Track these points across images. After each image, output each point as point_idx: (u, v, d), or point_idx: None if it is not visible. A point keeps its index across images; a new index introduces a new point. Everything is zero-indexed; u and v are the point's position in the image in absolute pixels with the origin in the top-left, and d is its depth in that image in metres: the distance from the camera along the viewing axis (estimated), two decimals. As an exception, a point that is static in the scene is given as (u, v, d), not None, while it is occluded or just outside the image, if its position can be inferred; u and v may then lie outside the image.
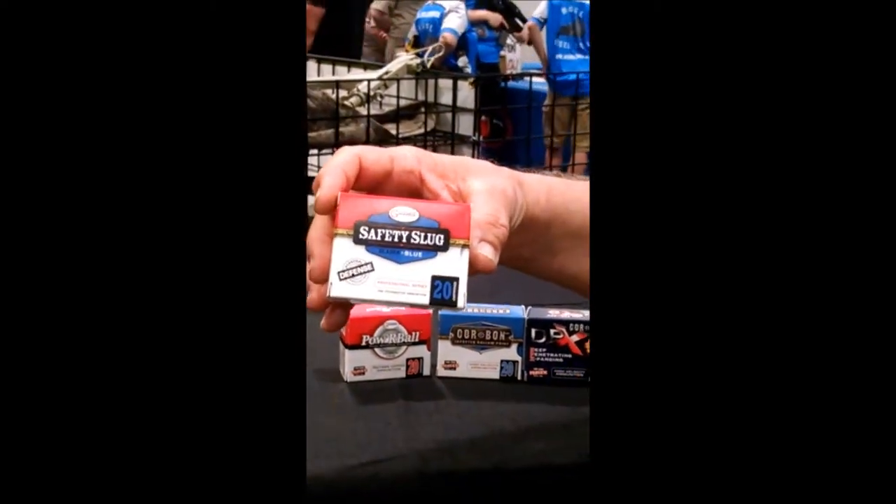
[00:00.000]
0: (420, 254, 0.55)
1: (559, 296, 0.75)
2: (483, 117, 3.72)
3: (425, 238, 0.55)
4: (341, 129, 2.94)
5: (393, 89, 3.31)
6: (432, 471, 0.66)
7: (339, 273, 0.54)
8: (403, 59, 3.55)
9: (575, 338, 0.79)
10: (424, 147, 3.01)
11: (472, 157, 2.93)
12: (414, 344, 0.80)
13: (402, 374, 0.80)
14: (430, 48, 3.76)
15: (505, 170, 0.60)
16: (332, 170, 0.56)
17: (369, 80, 3.20)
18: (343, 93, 3.06)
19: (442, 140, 3.32)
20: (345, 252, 0.54)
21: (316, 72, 3.59)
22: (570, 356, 0.79)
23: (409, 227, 0.55)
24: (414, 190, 0.58)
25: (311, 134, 2.78)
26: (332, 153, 0.59)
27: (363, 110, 3.09)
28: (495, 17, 4.82)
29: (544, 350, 0.79)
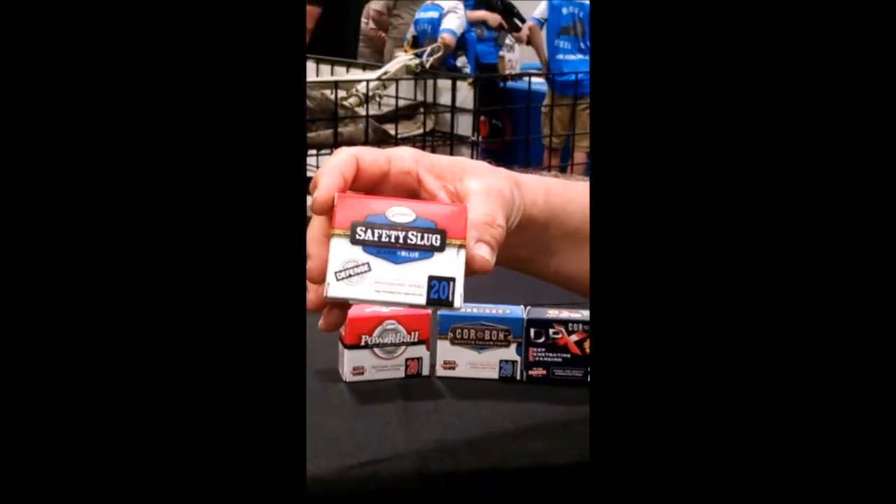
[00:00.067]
0: (417, 254, 0.55)
1: (558, 296, 0.75)
2: (482, 117, 3.73)
3: (422, 238, 0.55)
4: (340, 129, 2.94)
5: (392, 90, 3.31)
6: (431, 471, 0.66)
7: (336, 273, 0.54)
8: (402, 59, 3.55)
9: (574, 337, 0.79)
10: (423, 147, 3.02)
11: (471, 157, 2.93)
12: (413, 344, 0.80)
13: (401, 374, 0.80)
14: (428, 48, 3.76)
15: (502, 170, 0.60)
16: (329, 171, 0.56)
17: (368, 81, 3.20)
18: (342, 93, 3.06)
19: (441, 140, 3.33)
20: (342, 252, 0.54)
21: (314, 72, 3.60)
22: (569, 356, 0.79)
23: (406, 227, 0.55)
24: (411, 191, 0.58)
25: (309, 134, 2.78)
26: (331, 153, 0.59)
27: (362, 111, 3.09)
28: (494, 18, 4.81)
29: (543, 350, 0.79)
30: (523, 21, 4.83)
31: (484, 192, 0.57)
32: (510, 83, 4.28)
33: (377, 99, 3.31)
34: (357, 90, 3.19)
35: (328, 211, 0.55)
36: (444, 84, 3.37)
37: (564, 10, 4.39)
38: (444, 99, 3.34)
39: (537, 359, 0.79)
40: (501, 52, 5.04)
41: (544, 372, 0.79)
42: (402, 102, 3.32)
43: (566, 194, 0.63)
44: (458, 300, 0.55)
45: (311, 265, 0.55)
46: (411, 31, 4.68)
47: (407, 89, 3.38)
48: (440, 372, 0.80)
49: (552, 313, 0.80)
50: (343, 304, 0.57)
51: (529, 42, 4.85)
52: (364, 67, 3.73)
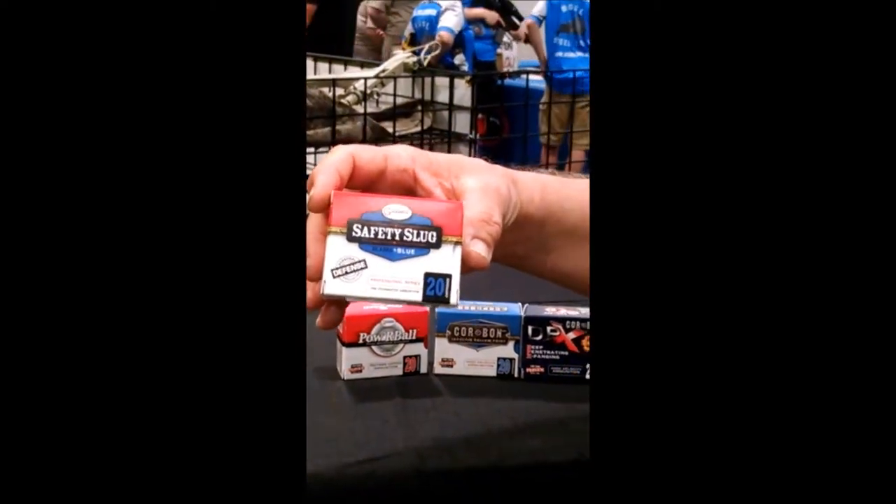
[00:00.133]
0: (413, 251, 0.55)
1: (556, 293, 0.75)
2: (480, 115, 3.72)
3: (418, 235, 0.55)
4: (338, 127, 2.94)
5: (390, 87, 3.31)
6: (430, 468, 0.66)
7: (332, 271, 0.54)
8: (400, 57, 3.55)
9: (571, 335, 0.79)
10: (421, 145, 3.02)
11: (469, 154, 2.93)
12: (411, 341, 0.80)
13: (399, 371, 0.80)
14: (426, 46, 3.75)
15: (499, 168, 0.60)
16: (325, 168, 0.56)
17: (366, 79, 3.20)
18: (339, 91, 3.06)
19: (439, 138, 3.32)
20: (338, 250, 0.55)
21: (312, 70, 3.59)
22: (566, 353, 0.79)
23: (402, 224, 0.55)
24: (408, 188, 0.58)
25: (307, 132, 2.78)
26: (329, 151, 0.59)
27: (360, 108, 3.09)
28: (492, 15, 4.81)
29: (541, 347, 0.79)
30: (521, 19, 4.82)
31: (480, 190, 0.57)
32: (508, 81, 4.28)
33: (375, 97, 3.30)
34: (355, 88, 3.18)
35: (324, 209, 0.55)
36: (442, 82, 3.37)
37: (564, 8, 4.38)
38: (442, 97, 3.34)
39: (535, 356, 0.79)
40: (499, 50, 5.04)
41: (542, 369, 0.80)
42: (399, 100, 3.32)
43: (563, 191, 0.63)
44: (454, 297, 0.55)
45: (308, 263, 0.55)
46: (409, 29, 4.68)
47: (405, 87, 3.38)
48: (438, 369, 0.80)
49: (550, 311, 0.80)
50: (340, 302, 0.57)
51: (527, 40, 4.85)
52: (362, 65, 3.72)
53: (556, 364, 0.79)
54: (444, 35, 4.33)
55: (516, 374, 0.80)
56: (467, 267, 0.55)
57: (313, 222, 0.56)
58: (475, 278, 0.58)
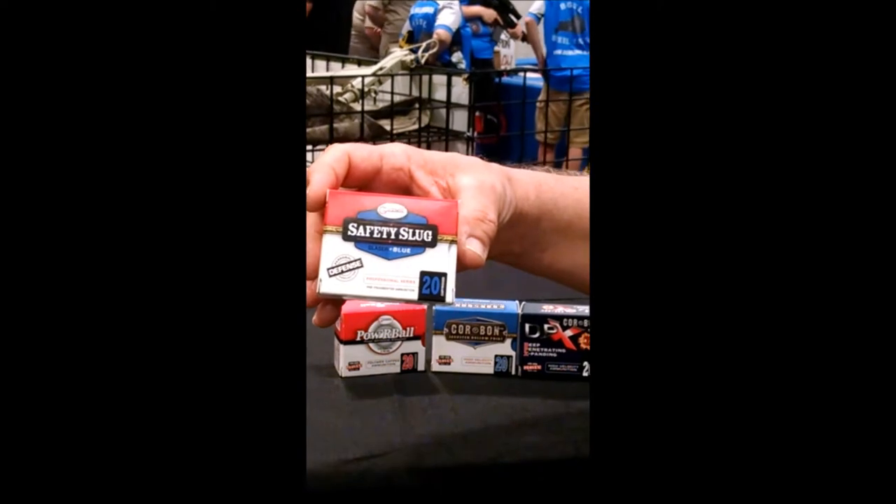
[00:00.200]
0: (408, 250, 0.55)
1: (553, 291, 0.75)
2: (477, 113, 3.72)
3: (413, 234, 0.55)
4: (335, 125, 2.94)
5: (387, 85, 3.31)
6: (427, 465, 0.66)
7: (328, 269, 0.54)
8: (397, 55, 3.55)
9: (569, 333, 0.79)
10: (419, 143, 3.02)
11: (467, 153, 2.93)
12: (408, 339, 0.80)
13: (396, 369, 0.80)
14: (423, 44, 3.76)
15: (494, 166, 0.61)
16: (321, 167, 0.56)
17: (363, 76, 3.20)
18: (337, 89, 3.06)
19: (436, 136, 3.33)
20: (334, 248, 0.55)
21: (309, 68, 3.59)
22: (563, 351, 0.79)
23: (398, 223, 0.55)
24: (403, 187, 0.59)
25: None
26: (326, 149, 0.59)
27: (357, 106, 3.09)
28: (489, 13, 4.81)
29: (538, 345, 0.79)
30: (518, 17, 4.82)
31: (476, 188, 0.57)
32: (505, 79, 4.28)
33: (372, 94, 3.31)
34: (352, 86, 3.18)
35: (320, 207, 0.56)
36: (440, 80, 3.37)
37: (563, 6, 4.38)
38: (440, 95, 3.34)
39: (532, 354, 0.80)
40: (497, 48, 5.04)
41: (539, 367, 0.80)
42: (397, 98, 3.32)
43: (558, 189, 0.63)
44: (449, 295, 0.55)
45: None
46: (406, 27, 4.68)
47: (402, 85, 3.38)
48: (435, 367, 0.80)
49: (547, 308, 0.80)
50: (336, 300, 0.57)
51: (525, 38, 4.85)
52: (359, 63, 3.72)
53: (553, 361, 0.80)
54: (441, 33, 4.33)
55: (513, 372, 0.80)
56: (463, 265, 0.55)
57: (309, 221, 0.56)
58: (472, 276, 0.58)
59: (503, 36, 5.04)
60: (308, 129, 2.83)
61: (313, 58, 3.65)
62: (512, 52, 5.23)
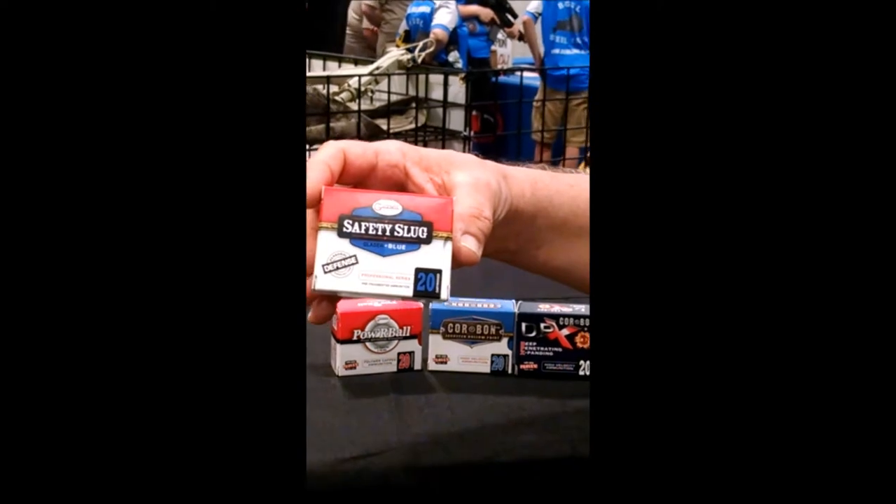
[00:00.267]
0: (403, 246, 0.55)
1: (549, 290, 0.75)
2: (474, 112, 3.73)
3: (409, 231, 0.55)
4: (332, 124, 2.94)
5: (384, 84, 3.31)
6: (424, 464, 0.66)
7: (323, 266, 0.54)
8: (394, 54, 3.55)
9: (565, 332, 0.79)
10: (415, 142, 3.02)
11: (463, 152, 2.93)
12: (405, 338, 0.80)
13: (393, 368, 0.80)
14: (420, 43, 3.76)
15: (490, 163, 0.61)
16: (316, 164, 0.56)
17: (360, 76, 3.20)
18: (334, 88, 3.06)
19: (433, 135, 3.33)
20: (329, 245, 0.55)
21: (306, 67, 3.59)
22: (559, 350, 0.79)
23: (393, 220, 0.55)
24: (399, 184, 0.59)
25: (302, 130, 2.78)
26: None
27: (354, 106, 3.09)
28: (486, 13, 4.81)
29: (534, 344, 0.80)
30: (515, 16, 4.82)
31: (471, 185, 0.57)
32: (502, 78, 4.28)
33: (369, 94, 3.31)
34: (349, 85, 3.19)
35: (315, 204, 0.56)
36: (436, 79, 3.37)
37: (561, 5, 4.38)
38: (436, 94, 3.34)
39: (528, 353, 0.80)
40: (493, 47, 5.04)
41: (535, 366, 0.80)
42: (394, 97, 3.32)
43: (554, 186, 0.63)
44: (444, 292, 0.55)
45: (300, 259, 0.55)
46: (403, 26, 4.68)
47: (399, 84, 3.38)
48: (432, 366, 0.81)
49: (543, 308, 0.80)
50: (331, 297, 0.57)
51: (522, 37, 4.85)
52: (356, 62, 3.73)
53: (550, 360, 0.80)
54: (438, 32, 4.33)
55: (510, 371, 0.80)
56: (458, 262, 0.55)
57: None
58: (469, 275, 0.58)
59: (500, 35, 5.04)
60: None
61: (309, 57, 3.65)
62: (509, 52, 5.22)
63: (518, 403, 0.75)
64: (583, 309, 0.80)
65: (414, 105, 3.35)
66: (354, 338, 0.79)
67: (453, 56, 4.51)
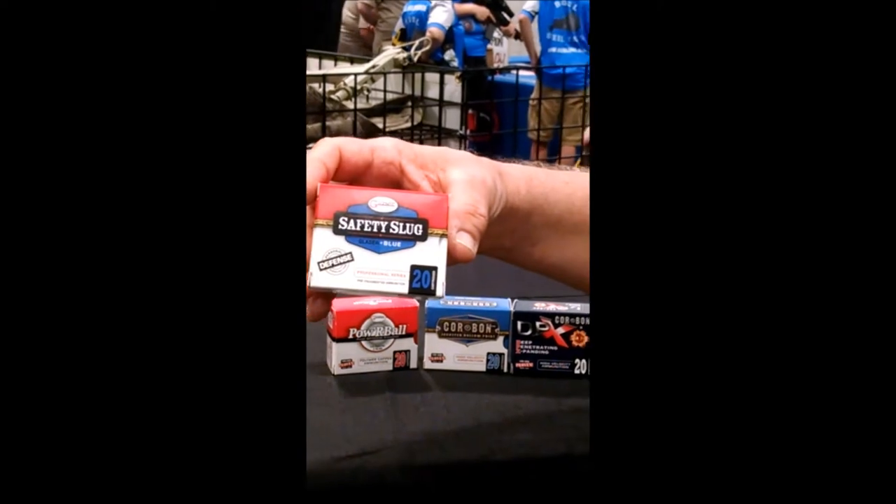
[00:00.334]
0: (399, 243, 0.55)
1: (545, 289, 0.75)
2: (470, 111, 3.73)
3: (404, 228, 0.55)
4: (328, 122, 2.94)
5: (380, 83, 3.31)
6: (419, 462, 0.66)
7: (319, 263, 0.54)
8: (390, 52, 3.55)
9: (560, 330, 0.79)
10: (411, 141, 3.02)
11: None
12: (401, 337, 0.80)
13: (389, 366, 0.80)
14: (416, 42, 3.76)
15: (485, 160, 0.61)
16: (311, 161, 0.56)
17: (356, 74, 3.20)
18: (330, 87, 3.06)
19: (429, 134, 3.33)
20: (325, 242, 0.55)
21: (303, 66, 3.59)
22: (555, 348, 0.79)
23: (388, 217, 0.55)
24: (394, 181, 0.59)
25: (298, 128, 2.78)
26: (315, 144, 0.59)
27: (350, 104, 3.09)
28: (482, 11, 4.81)
29: (530, 342, 0.80)
30: (511, 15, 4.82)
31: (466, 182, 0.57)
32: (498, 77, 4.28)
33: (365, 92, 3.31)
34: (345, 84, 3.19)
35: (311, 201, 0.56)
36: (432, 78, 3.37)
37: (557, 4, 4.38)
38: (432, 92, 3.34)
39: (524, 351, 0.80)
40: (489, 46, 5.04)
41: (531, 364, 0.80)
42: (390, 96, 3.32)
43: (549, 183, 0.63)
44: (440, 289, 0.55)
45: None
46: (399, 25, 4.68)
47: (395, 83, 3.38)
48: (428, 365, 0.80)
49: (539, 306, 0.80)
50: (327, 294, 0.57)
51: (518, 36, 4.85)
52: (352, 61, 3.73)
53: (545, 359, 0.80)
54: (434, 31, 4.33)
55: (506, 369, 0.80)
56: (453, 259, 0.55)
57: (300, 215, 0.56)
58: (465, 274, 0.58)
59: (496, 34, 5.04)
60: (301, 127, 2.83)
61: (306, 55, 3.65)
62: (505, 50, 5.23)
63: (514, 402, 0.75)
64: (578, 307, 0.80)
65: (410, 104, 3.35)
66: (350, 336, 0.79)
67: (449, 55, 4.51)
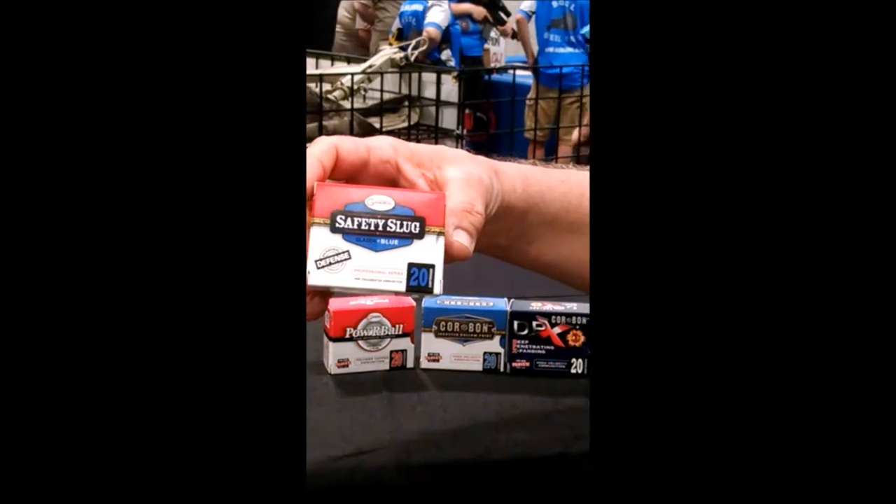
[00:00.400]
0: (396, 241, 0.55)
1: (542, 288, 0.75)
2: (467, 111, 3.73)
3: (401, 226, 0.55)
4: (325, 122, 2.94)
5: (377, 83, 3.31)
6: (416, 462, 0.66)
7: (316, 261, 0.54)
8: (387, 52, 3.55)
9: (557, 330, 0.79)
10: (408, 140, 3.02)
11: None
12: (397, 336, 0.80)
13: (385, 366, 0.80)
14: (413, 42, 3.76)
15: (481, 158, 0.61)
16: (308, 160, 0.56)
17: (353, 74, 3.20)
18: (326, 86, 3.06)
19: (426, 133, 3.33)
20: (322, 240, 0.55)
21: (300, 66, 3.58)
22: (552, 348, 0.79)
23: (385, 215, 0.55)
24: (391, 179, 0.59)
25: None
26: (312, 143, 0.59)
27: (347, 104, 3.09)
28: (479, 11, 4.81)
29: (527, 342, 0.80)
30: (508, 14, 4.82)
31: (463, 180, 0.57)
32: (495, 76, 4.28)
33: (362, 92, 3.31)
34: (342, 83, 3.19)
35: (308, 200, 0.56)
36: (429, 77, 3.37)
37: (555, 4, 4.38)
38: (429, 92, 3.34)
39: (521, 351, 0.80)
40: (486, 46, 5.04)
41: (528, 364, 0.80)
42: (386, 96, 3.32)
43: (545, 182, 0.63)
44: (437, 287, 0.55)
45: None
46: (396, 25, 4.68)
47: (392, 83, 3.38)
48: (424, 364, 0.80)
49: (535, 306, 0.80)
50: (324, 293, 0.57)
51: (515, 35, 4.85)
52: (349, 61, 3.73)
53: (542, 358, 0.80)
54: (430, 31, 4.33)
55: (502, 369, 0.80)
56: (450, 257, 0.56)
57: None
58: (461, 273, 0.58)
59: (493, 33, 5.04)
60: (297, 127, 2.83)
61: (303, 55, 3.65)
62: (502, 50, 5.23)
63: (510, 401, 0.75)
64: (575, 307, 0.80)
65: (407, 103, 3.35)
66: (347, 336, 0.79)
67: (446, 54, 4.51)
